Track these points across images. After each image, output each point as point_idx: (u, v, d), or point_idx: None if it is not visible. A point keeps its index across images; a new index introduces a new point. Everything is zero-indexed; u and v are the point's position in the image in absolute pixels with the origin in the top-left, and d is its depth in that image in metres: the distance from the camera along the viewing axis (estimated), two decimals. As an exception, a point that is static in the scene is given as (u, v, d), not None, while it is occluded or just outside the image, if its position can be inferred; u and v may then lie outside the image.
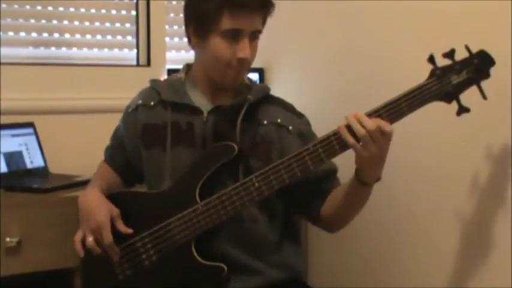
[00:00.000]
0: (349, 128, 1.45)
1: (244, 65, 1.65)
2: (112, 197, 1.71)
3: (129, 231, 1.65)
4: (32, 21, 2.47)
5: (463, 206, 1.85)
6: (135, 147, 1.78)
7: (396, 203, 2.07)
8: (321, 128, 1.76)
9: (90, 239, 1.63)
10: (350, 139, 1.45)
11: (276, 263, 1.68)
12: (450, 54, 1.50)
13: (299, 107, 1.77)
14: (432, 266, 1.97)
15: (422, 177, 2.01)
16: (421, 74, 1.51)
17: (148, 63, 2.63)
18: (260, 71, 2.70)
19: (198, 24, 1.65)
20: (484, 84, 1.51)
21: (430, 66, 1.50)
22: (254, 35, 1.64)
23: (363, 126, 1.43)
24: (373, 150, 1.44)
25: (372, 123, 1.43)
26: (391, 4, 2.10)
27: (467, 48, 1.51)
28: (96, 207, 1.65)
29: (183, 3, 1.71)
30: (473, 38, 1.59)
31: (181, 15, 1.72)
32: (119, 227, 1.64)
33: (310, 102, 2.33)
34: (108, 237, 1.62)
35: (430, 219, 1.98)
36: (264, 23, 1.67)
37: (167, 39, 2.68)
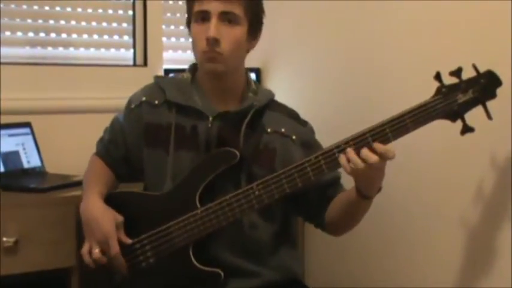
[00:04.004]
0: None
1: (214, 46, 1.59)
2: (112, 197, 1.70)
3: (129, 241, 1.64)
4: (29, 20, 2.46)
5: (463, 209, 1.86)
6: (137, 145, 1.75)
7: (395, 205, 2.07)
8: (316, 129, 1.76)
9: (96, 251, 1.62)
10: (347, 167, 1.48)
11: (274, 265, 1.69)
12: (457, 72, 1.49)
13: (294, 107, 1.77)
14: (431, 268, 1.97)
15: (421, 181, 2.01)
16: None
17: (145, 63, 2.63)
18: (257, 71, 2.70)
19: (187, 19, 1.69)
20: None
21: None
22: (227, 18, 1.60)
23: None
24: (369, 174, 1.47)
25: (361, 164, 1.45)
26: (387, 4, 2.11)
27: (474, 67, 1.50)
28: (101, 217, 1.63)
29: (180, 3, 1.72)
30: (480, 55, 1.58)
31: (178, 14, 1.72)
32: (120, 236, 1.63)
33: (306, 103, 2.33)
34: (115, 247, 1.61)
35: (428, 222, 1.98)
36: (244, 6, 1.62)
37: (164, 39, 2.67)
